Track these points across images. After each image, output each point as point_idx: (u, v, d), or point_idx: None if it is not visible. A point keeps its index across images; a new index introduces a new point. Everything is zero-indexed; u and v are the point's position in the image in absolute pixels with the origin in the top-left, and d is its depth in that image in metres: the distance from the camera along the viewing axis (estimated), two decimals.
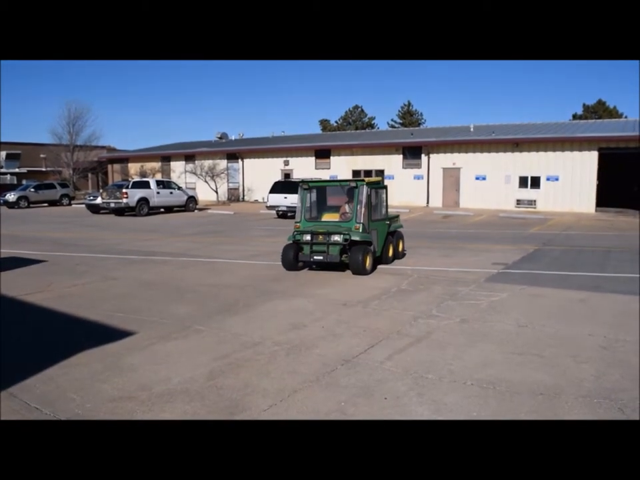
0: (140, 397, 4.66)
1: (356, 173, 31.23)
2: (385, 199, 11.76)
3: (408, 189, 30.05)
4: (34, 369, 5.31)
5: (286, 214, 24.11)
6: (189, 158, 39.83)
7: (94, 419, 4.23)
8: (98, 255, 13.22)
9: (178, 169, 40.25)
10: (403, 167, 30.71)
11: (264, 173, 35.06)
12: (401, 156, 30.79)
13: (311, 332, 6.51)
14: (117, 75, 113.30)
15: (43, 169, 51.19)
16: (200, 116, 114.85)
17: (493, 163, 27.95)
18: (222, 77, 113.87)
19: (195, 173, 35.21)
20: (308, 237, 10.53)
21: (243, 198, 37.01)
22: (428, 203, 29.76)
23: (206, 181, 34.65)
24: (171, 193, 28.95)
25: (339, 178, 27.71)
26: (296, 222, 10.99)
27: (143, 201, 26.90)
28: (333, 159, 33.29)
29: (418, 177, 30.15)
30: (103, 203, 27.51)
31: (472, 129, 32.60)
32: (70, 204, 36.80)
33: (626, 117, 43.43)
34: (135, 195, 26.51)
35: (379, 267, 10.98)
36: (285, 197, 23.99)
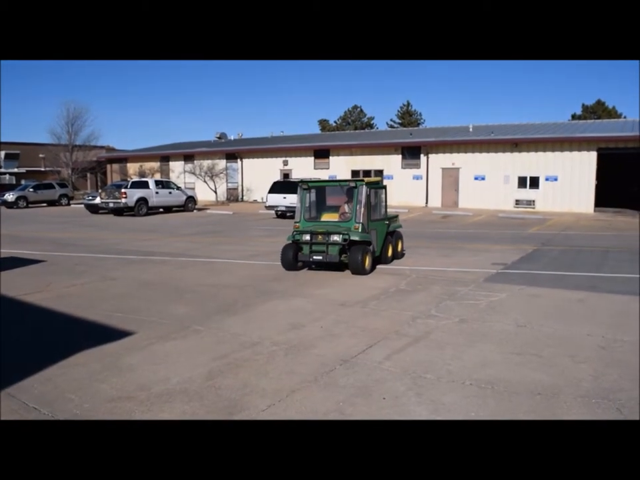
0: (139, 397, 4.66)
1: (355, 173, 31.24)
2: (384, 198, 11.78)
3: (407, 189, 30.06)
4: (32, 369, 5.30)
5: (285, 214, 24.11)
6: (187, 158, 39.82)
7: (92, 419, 4.23)
8: (97, 255, 13.21)
9: (177, 168, 40.25)
10: (402, 167, 30.73)
11: (263, 172, 35.07)
12: (400, 156, 30.81)
13: (309, 332, 6.51)
14: (116, 74, 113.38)
15: (42, 169, 51.16)
16: (199, 116, 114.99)
17: (491, 163, 27.97)
18: (221, 77, 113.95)
19: (193, 173, 35.22)
20: (307, 237, 10.55)
21: (242, 198, 37.01)
22: (427, 202, 29.78)
23: (205, 181, 34.66)
24: (170, 192, 28.94)
25: (338, 178, 27.73)
26: (295, 222, 11.00)
27: (142, 200, 26.88)
28: (332, 158, 33.30)
29: (417, 177, 30.17)
30: (102, 202, 27.50)
31: (471, 129, 32.63)
32: (69, 204, 36.78)
33: (625, 117, 43.51)
34: (133, 195, 26.50)
35: (378, 266, 10.99)
36: (284, 197, 23.99)
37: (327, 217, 11.25)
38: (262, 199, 30.67)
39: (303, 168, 33.73)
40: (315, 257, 10.49)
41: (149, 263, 11.95)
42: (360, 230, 10.30)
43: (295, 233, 10.81)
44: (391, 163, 31.00)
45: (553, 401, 4.47)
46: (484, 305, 7.72)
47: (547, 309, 7.51)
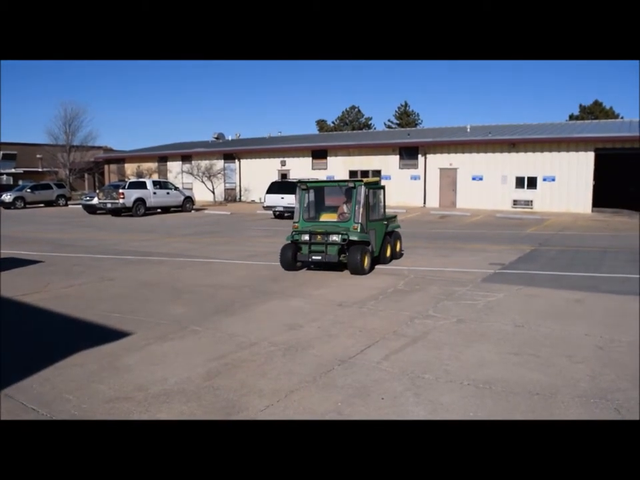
0: (137, 397, 4.66)
1: (353, 174, 31.23)
2: (382, 199, 11.81)
3: (405, 189, 30.08)
4: (31, 369, 5.29)
5: (283, 214, 24.11)
6: (185, 158, 39.78)
7: (90, 419, 4.22)
8: (95, 256, 13.20)
9: (175, 169, 40.22)
10: (400, 168, 30.74)
11: (261, 173, 35.06)
12: (398, 156, 30.82)
13: (307, 332, 6.51)
14: (114, 75, 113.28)
15: (40, 170, 51.08)
16: (197, 116, 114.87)
17: (489, 164, 28.00)
18: (219, 77, 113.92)
19: (191, 173, 35.19)
20: (306, 237, 10.57)
21: (240, 198, 36.98)
22: (425, 203, 29.79)
23: (203, 182, 34.63)
24: (168, 193, 28.91)
25: (335, 178, 27.73)
26: (294, 222, 11.02)
27: (140, 201, 26.84)
28: (329, 159, 33.30)
29: (415, 178, 30.18)
30: (100, 203, 27.45)
31: (469, 130, 32.66)
32: (66, 204, 36.70)
33: (622, 118, 43.59)
34: (131, 196, 26.46)
35: (377, 267, 11.00)
36: (282, 198, 23.99)
37: (325, 217, 11.29)
38: (260, 199, 30.67)
39: (300, 168, 33.73)
40: (314, 257, 10.51)
41: (146, 264, 11.94)
42: (359, 230, 10.32)
43: (294, 233, 10.82)
44: (388, 164, 31.02)
45: (551, 401, 4.48)
46: (482, 305, 7.73)
47: (545, 309, 7.52)
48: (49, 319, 7.27)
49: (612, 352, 5.70)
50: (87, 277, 10.25)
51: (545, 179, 26.60)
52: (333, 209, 11.43)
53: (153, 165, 41.73)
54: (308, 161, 34.11)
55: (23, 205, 34.53)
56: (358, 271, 10.14)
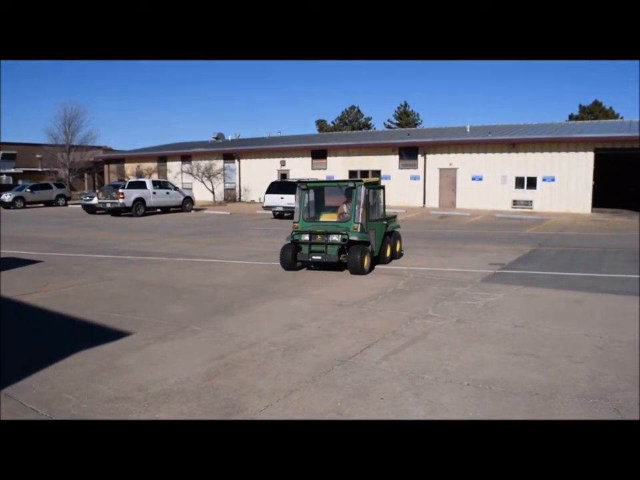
0: (136, 397, 4.66)
1: (352, 174, 31.23)
2: (382, 199, 11.82)
3: (404, 189, 30.08)
4: (30, 369, 5.29)
5: (282, 214, 24.12)
6: (185, 158, 39.78)
7: (90, 419, 4.22)
8: (94, 256, 13.19)
9: (174, 169, 40.21)
10: (400, 168, 30.75)
11: (260, 173, 35.06)
12: (398, 156, 30.82)
13: (307, 332, 6.51)
14: (113, 75, 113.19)
15: (39, 169, 51.07)
16: (196, 116, 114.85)
17: (489, 164, 28.01)
18: (218, 77, 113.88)
19: (191, 173, 35.18)
20: (306, 237, 10.58)
21: (240, 198, 36.99)
22: (424, 203, 29.80)
23: (202, 181, 34.62)
24: (168, 193, 28.90)
25: (335, 178, 27.74)
26: (294, 222, 11.03)
27: (140, 201, 26.84)
28: (329, 159, 33.30)
29: (414, 178, 30.19)
30: (99, 203, 27.44)
31: (468, 130, 32.67)
32: (66, 204, 36.69)
33: (622, 118, 43.61)
34: (131, 195, 26.45)
35: (376, 266, 11.00)
36: (282, 198, 23.99)
37: (325, 217, 11.30)
38: (259, 199, 30.67)
39: (300, 168, 33.73)
40: (314, 257, 10.52)
41: (146, 264, 11.94)
42: (359, 230, 10.33)
43: (294, 233, 10.83)
44: (388, 164, 31.02)
45: (551, 401, 4.48)
46: (481, 305, 7.73)
47: (544, 309, 7.52)
48: (49, 318, 7.26)
49: (611, 352, 5.70)
50: (87, 277, 10.25)
51: (544, 179, 26.60)
52: (333, 209, 11.44)
53: (153, 165, 41.72)
54: (307, 161, 34.11)
55: (22, 204, 34.52)
56: (358, 270, 10.14)
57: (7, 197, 34.42)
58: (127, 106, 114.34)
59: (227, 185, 37.51)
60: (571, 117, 54.40)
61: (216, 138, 46.99)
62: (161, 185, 29.29)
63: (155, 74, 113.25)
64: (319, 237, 10.51)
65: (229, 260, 12.38)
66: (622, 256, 12.53)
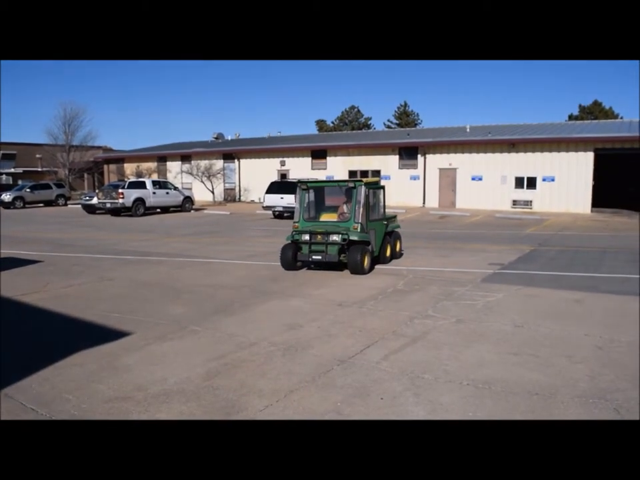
0: (136, 397, 4.66)
1: (352, 174, 31.23)
2: (382, 199, 11.83)
3: (404, 189, 30.08)
4: (30, 369, 5.29)
5: (282, 214, 24.13)
6: (185, 158, 39.78)
7: (90, 419, 4.22)
8: (94, 256, 13.19)
9: (174, 169, 40.21)
10: (399, 168, 30.75)
11: (260, 173, 35.05)
12: (397, 156, 30.82)
13: (307, 332, 6.51)
14: (113, 75, 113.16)
15: (39, 169, 51.05)
16: (196, 116, 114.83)
17: (489, 164, 28.01)
18: (218, 77, 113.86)
19: (191, 173, 35.18)
20: (307, 237, 10.60)
21: (240, 198, 36.98)
22: (424, 203, 29.80)
23: (202, 181, 34.62)
24: (167, 193, 28.90)
25: (335, 178, 27.74)
26: (294, 222, 11.04)
27: (139, 201, 26.83)
28: (329, 159, 33.31)
29: (414, 178, 30.19)
30: (99, 203, 27.44)
31: (468, 130, 32.67)
32: (66, 204, 36.68)
33: (622, 118, 43.63)
34: (131, 195, 26.45)
35: (376, 266, 11.00)
36: (282, 198, 23.99)
37: (325, 217, 11.31)
38: (259, 199, 30.67)
39: (300, 168, 33.73)
40: (314, 257, 10.54)
41: (146, 264, 11.94)
42: (359, 230, 10.34)
43: (294, 232, 10.85)
44: (388, 164, 31.02)
45: (550, 401, 4.48)
46: (481, 305, 7.73)
47: (544, 309, 7.52)
48: (49, 318, 7.26)
49: (611, 352, 5.70)
50: (87, 277, 10.25)
51: (544, 179, 26.60)
52: (333, 209, 11.46)
53: (153, 165, 41.71)
54: (307, 161, 34.12)
55: (22, 204, 34.52)
56: (358, 270, 10.15)
57: (7, 196, 34.41)
58: (126, 106, 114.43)
59: (226, 184, 37.51)
60: (571, 117, 54.41)
61: (216, 138, 46.99)
62: (160, 185, 29.29)
63: (154, 74, 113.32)
64: (319, 236, 10.53)
65: (228, 260, 12.38)
66: (622, 256, 12.54)
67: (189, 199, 29.93)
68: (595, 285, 9.19)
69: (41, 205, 36.09)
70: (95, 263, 12.00)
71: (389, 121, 64.56)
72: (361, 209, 10.44)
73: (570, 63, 74.18)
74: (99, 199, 27.65)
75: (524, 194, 27.17)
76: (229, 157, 37.51)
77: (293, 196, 21.83)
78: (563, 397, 4.55)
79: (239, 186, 37.08)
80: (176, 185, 31.49)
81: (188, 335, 6.46)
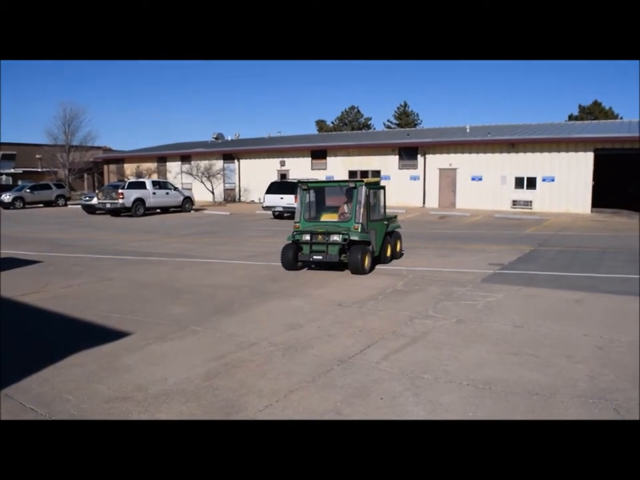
0: (136, 397, 4.66)
1: (352, 174, 31.24)
2: (382, 199, 11.85)
3: (404, 189, 30.08)
4: (30, 369, 5.29)
5: (282, 214, 24.13)
6: (185, 158, 39.78)
7: (90, 419, 4.22)
8: (94, 256, 13.19)
9: (174, 169, 40.21)
10: (399, 168, 30.75)
11: (260, 173, 35.05)
12: (397, 156, 30.83)
13: (307, 332, 6.51)
14: (113, 75, 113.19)
15: (39, 170, 51.04)
16: (196, 116, 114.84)
17: (489, 164, 28.01)
18: (218, 77, 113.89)
19: (191, 174, 35.18)
20: (307, 237, 10.61)
21: (239, 198, 36.98)
22: (424, 203, 29.80)
23: (202, 182, 34.62)
24: (167, 193, 28.90)
25: (335, 178, 27.75)
26: (295, 222, 11.06)
27: (139, 201, 26.83)
28: (329, 159, 33.31)
29: (414, 178, 30.19)
30: (99, 203, 27.45)
31: (468, 130, 32.66)
32: (66, 204, 36.68)
33: (621, 118, 43.63)
34: (131, 196, 26.45)
35: (377, 266, 11.01)
36: (281, 198, 24.00)
37: (326, 217, 11.33)
38: (259, 199, 30.67)
39: (300, 168, 33.74)
40: (314, 257, 10.55)
41: (146, 264, 11.94)
42: (359, 230, 10.35)
43: (295, 233, 10.86)
44: (388, 164, 31.02)
45: (550, 401, 4.48)
46: (481, 306, 7.73)
47: (544, 309, 7.52)
48: (48, 319, 7.26)
49: (611, 352, 5.70)
50: (86, 277, 10.25)
51: (544, 180, 26.61)
52: (334, 209, 11.47)
53: (152, 165, 41.71)
54: (307, 161, 34.12)
55: (22, 205, 34.53)
56: (359, 270, 10.16)
57: (7, 197, 34.41)
58: (126, 106, 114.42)
59: (226, 185, 37.51)
60: (571, 117, 54.42)
61: (216, 138, 46.99)
62: (160, 185, 29.28)
63: (154, 74, 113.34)
64: (319, 236, 10.54)
65: (228, 260, 12.38)
66: (622, 256, 12.54)
67: (188, 199, 29.93)
68: (594, 285, 9.19)
69: (41, 205, 36.09)
70: (94, 263, 12.00)
71: (388, 121, 64.66)
72: (362, 209, 10.45)
73: (570, 63, 74.21)
74: (98, 199, 27.65)
75: (524, 194, 27.17)
76: (228, 157, 37.51)
77: (292, 196, 21.89)
78: (562, 397, 4.55)
79: (239, 186, 37.09)
80: (176, 186, 31.49)
81: (188, 335, 6.46)
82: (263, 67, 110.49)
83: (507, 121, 43.81)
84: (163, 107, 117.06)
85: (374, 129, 62.31)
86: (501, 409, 4.34)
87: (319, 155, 33.75)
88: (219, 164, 36.88)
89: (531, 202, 26.93)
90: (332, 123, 66.93)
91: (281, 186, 24.99)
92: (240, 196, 37.03)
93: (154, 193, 27.75)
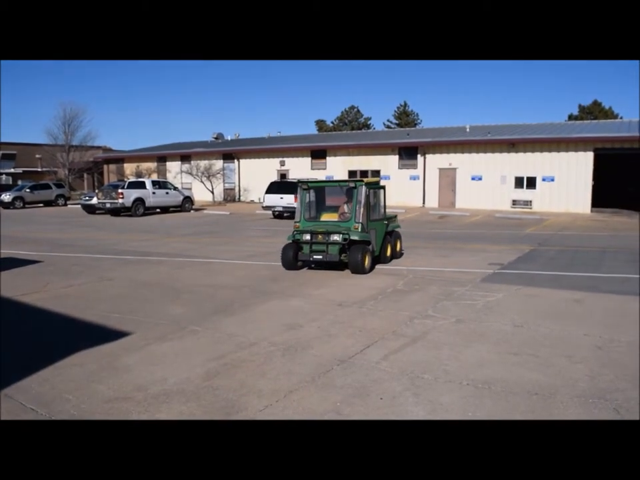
0: (136, 397, 4.66)
1: (352, 174, 31.23)
2: (382, 199, 11.85)
3: (404, 189, 30.08)
4: (30, 369, 5.29)
5: (282, 214, 24.13)
6: (184, 158, 39.77)
7: (90, 419, 4.22)
8: (94, 256, 13.19)
9: (174, 169, 40.21)
10: (399, 168, 30.75)
11: (260, 173, 35.05)
12: (397, 156, 30.83)
13: (307, 332, 6.51)
14: (113, 75, 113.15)
15: (39, 169, 51.06)
16: (196, 116, 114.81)
17: (488, 163, 28.01)
18: (218, 77, 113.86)
19: (190, 173, 35.18)
20: (307, 237, 10.62)
21: (239, 198, 36.98)
22: (424, 203, 29.80)
23: (202, 182, 34.62)
24: (167, 193, 28.90)
25: (335, 178, 27.73)
26: (295, 222, 11.06)
27: (139, 201, 26.83)
28: (329, 159, 33.31)
29: (414, 177, 30.19)
30: (99, 203, 27.44)
31: (468, 130, 32.67)
32: (65, 204, 36.68)
33: (621, 118, 43.62)
34: (130, 195, 26.45)
35: (377, 266, 11.01)
36: (281, 198, 24.00)
37: (326, 217, 11.33)
38: (259, 199, 30.67)
39: (300, 168, 33.74)
40: (315, 257, 10.56)
41: (146, 264, 11.93)
42: (359, 230, 10.36)
43: (295, 232, 10.86)
44: (388, 164, 31.02)
45: (550, 401, 4.48)
46: (481, 305, 7.73)
47: (544, 309, 7.52)
48: (48, 318, 7.26)
49: (611, 352, 5.70)
50: (86, 277, 10.25)
51: (544, 179, 26.61)
52: (334, 209, 11.47)
53: (152, 165, 41.71)
54: (307, 160, 34.12)
55: (22, 204, 34.53)
56: (359, 270, 10.16)
57: (7, 197, 34.41)
58: (126, 106, 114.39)
59: (226, 185, 37.50)
60: (571, 117, 54.42)
61: (215, 138, 46.98)
62: (160, 185, 29.29)
63: (154, 74, 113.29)
64: (320, 236, 10.55)
65: (228, 260, 12.38)
66: (621, 256, 12.54)
67: (188, 199, 29.94)
68: (594, 284, 9.20)
69: (41, 205, 36.09)
70: (94, 263, 12.00)
71: (388, 120, 64.67)
72: (362, 209, 10.46)
73: (570, 63, 74.24)
74: (98, 199, 27.65)
75: (524, 194, 27.17)
76: (228, 157, 37.50)
77: (292, 196, 21.89)
78: (562, 396, 4.55)
79: (239, 186, 37.08)
80: (175, 185, 31.49)
81: (188, 335, 6.46)
82: (263, 67, 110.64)
83: (506, 121, 43.83)
84: (162, 107, 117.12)
85: (374, 128, 62.32)
86: (501, 408, 4.34)
87: (318, 154, 33.75)
88: (218, 164, 36.89)
89: (530, 202, 26.93)
90: (332, 122, 66.96)
91: (281, 186, 24.99)
92: (240, 196, 37.02)
93: (154, 193, 27.75)
